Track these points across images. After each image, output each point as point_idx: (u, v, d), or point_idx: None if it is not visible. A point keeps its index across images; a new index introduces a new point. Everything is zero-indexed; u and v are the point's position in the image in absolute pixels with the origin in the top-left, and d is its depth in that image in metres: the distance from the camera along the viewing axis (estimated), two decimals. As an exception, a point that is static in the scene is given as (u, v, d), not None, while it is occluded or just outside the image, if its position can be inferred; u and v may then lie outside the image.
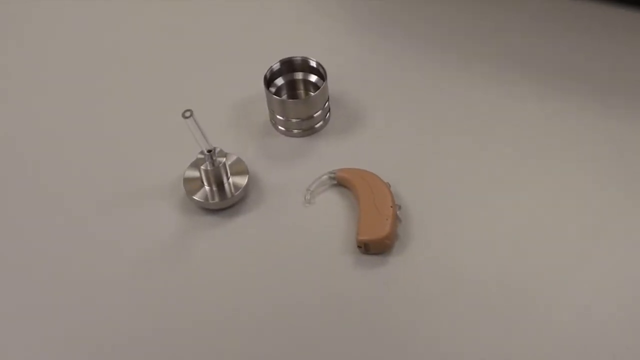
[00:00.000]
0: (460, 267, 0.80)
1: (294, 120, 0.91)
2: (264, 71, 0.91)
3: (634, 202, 0.83)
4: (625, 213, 0.83)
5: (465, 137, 0.91)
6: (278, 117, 0.92)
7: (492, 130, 0.91)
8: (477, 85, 0.95)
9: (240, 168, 0.87)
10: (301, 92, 0.96)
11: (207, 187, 0.86)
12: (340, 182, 0.87)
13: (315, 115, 0.91)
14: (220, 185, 0.86)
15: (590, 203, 0.84)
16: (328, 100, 0.92)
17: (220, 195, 0.86)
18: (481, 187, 0.86)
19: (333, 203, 0.86)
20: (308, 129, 0.92)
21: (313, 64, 0.93)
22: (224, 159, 0.85)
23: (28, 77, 1.02)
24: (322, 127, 0.93)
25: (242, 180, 0.86)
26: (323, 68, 0.91)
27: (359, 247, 0.81)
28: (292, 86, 0.95)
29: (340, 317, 0.78)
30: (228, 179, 0.86)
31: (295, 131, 0.92)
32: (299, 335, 0.78)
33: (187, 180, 0.87)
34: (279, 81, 0.94)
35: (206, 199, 0.85)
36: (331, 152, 0.91)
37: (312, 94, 0.93)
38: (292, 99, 0.95)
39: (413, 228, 0.83)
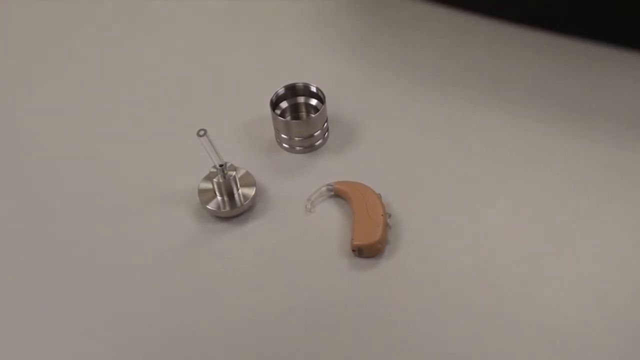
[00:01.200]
0: (443, 268, 0.87)
1: (296, 138, 0.98)
2: (270, 95, 0.98)
3: (602, 210, 0.90)
4: (595, 219, 0.89)
5: (449, 153, 0.97)
6: (282, 135, 0.98)
7: (474, 147, 0.97)
8: (460, 107, 1.01)
9: (248, 180, 0.94)
10: (303, 113, 1.02)
11: (219, 197, 0.92)
12: (337, 194, 0.93)
13: (315, 134, 0.98)
14: (230, 195, 0.92)
15: (563, 210, 0.90)
16: (327, 121, 0.99)
17: (230, 205, 0.92)
18: (464, 196, 0.93)
19: (331, 212, 0.92)
20: (309, 147, 0.99)
21: (313, 89, 0.99)
22: (234, 173, 0.92)
23: (61, 88, 1.09)
24: (321, 144, 0.99)
25: (250, 192, 0.93)
26: (322, 93, 0.98)
27: (354, 251, 0.88)
28: (295, 109, 1.01)
29: (336, 313, 0.84)
30: (238, 190, 0.92)
31: (298, 148, 0.99)
32: (299, 330, 0.84)
33: (202, 191, 0.93)
34: (284, 104, 1.00)
35: (218, 208, 0.92)
36: (329, 167, 0.97)
37: (312, 115, 0.99)
38: (295, 120, 1.01)
39: (402, 233, 0.89)
